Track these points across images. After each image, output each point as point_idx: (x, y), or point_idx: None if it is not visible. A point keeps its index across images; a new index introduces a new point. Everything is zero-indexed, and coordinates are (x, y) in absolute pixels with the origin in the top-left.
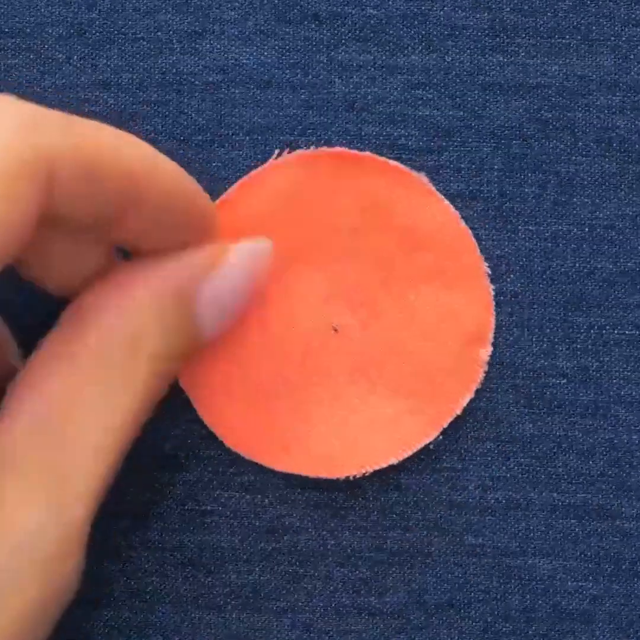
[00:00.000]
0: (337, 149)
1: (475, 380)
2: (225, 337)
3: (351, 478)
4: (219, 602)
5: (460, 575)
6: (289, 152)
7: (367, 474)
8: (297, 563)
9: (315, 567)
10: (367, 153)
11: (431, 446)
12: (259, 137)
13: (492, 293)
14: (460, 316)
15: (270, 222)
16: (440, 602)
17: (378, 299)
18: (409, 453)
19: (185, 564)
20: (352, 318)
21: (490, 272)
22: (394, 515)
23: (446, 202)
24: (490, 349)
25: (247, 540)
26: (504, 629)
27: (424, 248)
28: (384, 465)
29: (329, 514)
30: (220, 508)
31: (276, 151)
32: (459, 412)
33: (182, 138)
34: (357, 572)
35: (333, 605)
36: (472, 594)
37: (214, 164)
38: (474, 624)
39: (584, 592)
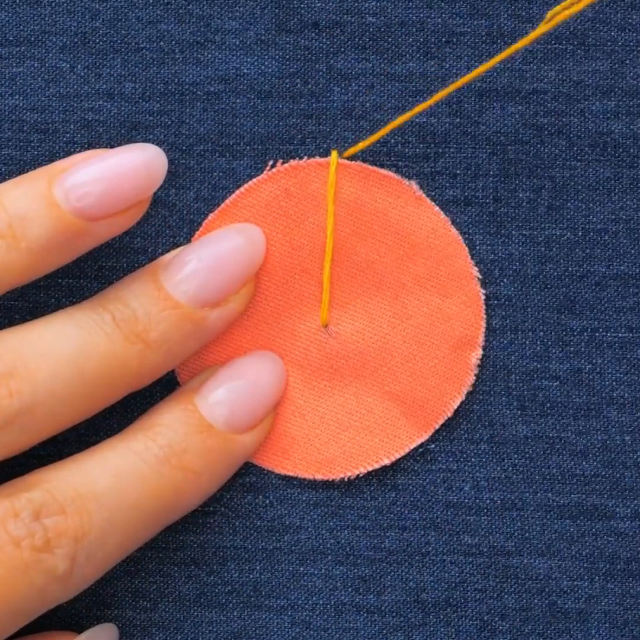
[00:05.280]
0: (329, 158)
1: (466, 383)
2: (224, 341)
3: (346, 479)
4: (220, 600)
5: (457, 574)
6: (283, 163)
7: (361, 475)
8: (297, 562)
9: (315, 565)
10: (358, 162)
11: (423, 448)
12: (260, 147)
13: (484, 297)
14: (451, 320)
15: (265, 230)
16: (438, 600)
17: (371, 304)
18: (401, 454)
19: (187, 563)
20: (346, 322)
21: (481, 277)
22: (392, 515)
23: (437, 208)
24: (480, 352)
25: (248, 540)
26: (501, 627)
27: (416, 254)
28: (377, 466)
29: (328, 514)
30: (222, 508)
31: (269, 163)
32: (450, 414)
33: (183, 147)
34: (356, 570)
35: (332, 603)
36: (469, 592)
37: (215, 173)
38: (470, 622)
39: (579, 591)
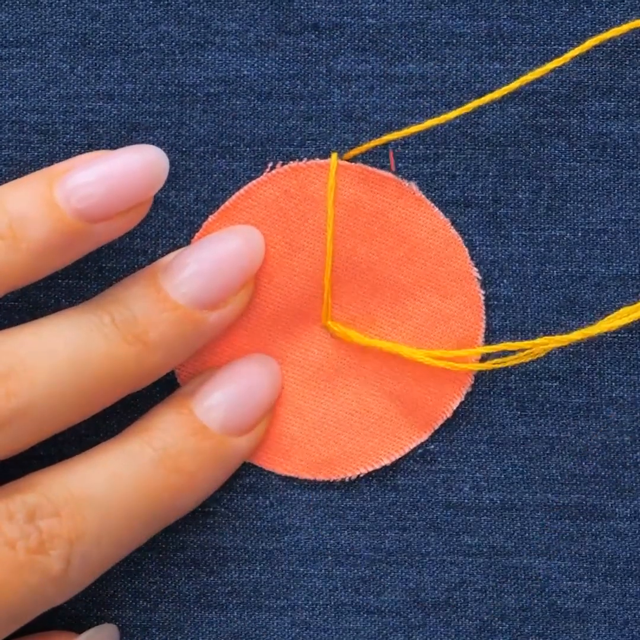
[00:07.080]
0: (328, 160)
1: (465, 384)
2: (224, 343)
3: (347, 479)
4: (220, 600)
5: (456, 574)
6: (282, 165)
7: (362, 476)
8: (297, 562)
9: (315, 566)
10: (359, 163)
11: (423, 449)
12: (259, 148)
13: (484, 298)
14: (451, 321)
15: (265, 231)
16: (438, 601)
17: (371, 305)
18: (401, 454)
19: (187, 564)
20: (347, 324)
21: (480, 277)
22: (391, 516)
23: (436, 209)
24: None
25: (248, 540)
26: (500, 627)
27: (416, 254)
28: (377, 466)
29: (327, 515)
30: (222, 509)
31: (269, 164)
32: (449, 415)
33: (183, 149)
34: (356, 571)
35: (332, 603)
36: (469, 593)
37: (215, 175)
38: (470, 622)
39: (579, 591)
